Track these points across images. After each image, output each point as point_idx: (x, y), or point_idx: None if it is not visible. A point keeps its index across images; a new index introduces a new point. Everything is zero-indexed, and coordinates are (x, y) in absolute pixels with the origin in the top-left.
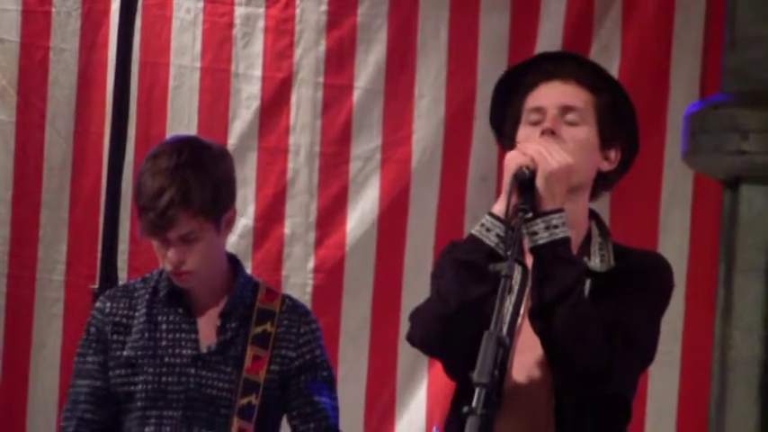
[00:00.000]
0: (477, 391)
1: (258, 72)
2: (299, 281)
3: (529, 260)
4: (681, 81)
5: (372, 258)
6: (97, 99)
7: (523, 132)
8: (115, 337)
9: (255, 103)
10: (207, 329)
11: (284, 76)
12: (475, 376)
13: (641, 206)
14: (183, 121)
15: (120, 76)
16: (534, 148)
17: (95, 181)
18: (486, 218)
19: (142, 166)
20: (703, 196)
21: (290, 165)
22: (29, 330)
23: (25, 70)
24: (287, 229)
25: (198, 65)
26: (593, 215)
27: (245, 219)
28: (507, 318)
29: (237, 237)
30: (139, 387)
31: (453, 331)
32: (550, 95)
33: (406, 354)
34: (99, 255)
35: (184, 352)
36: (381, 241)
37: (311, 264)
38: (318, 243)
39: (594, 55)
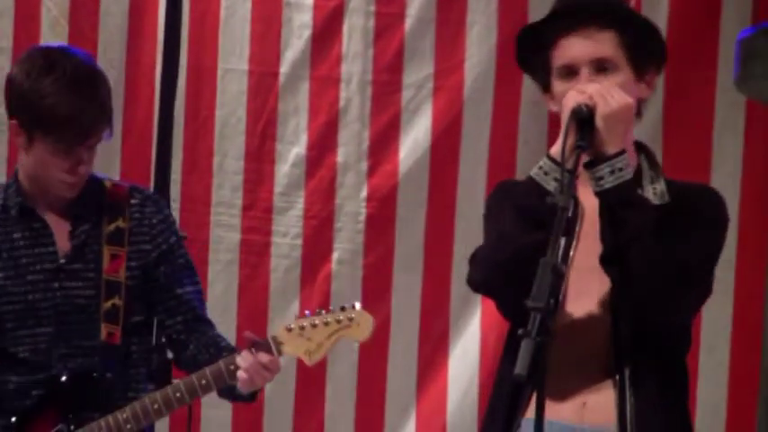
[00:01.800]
0: (532, 315)
1: (310, 0)
2: (352, 209)
3: (584, 197)
4: (733, 7)
5: (425, 186)
6: (149, 29)
7: (559, 88)
8: None
9: (307, 32)
10: (62, 239)
11: (336, 5)
12: (530, 302)
13: (694, 134)
14: (234, 50)
15: (171, 5)
16: (594, 88)
17: (148, 111)
18: (543, 161)
19: (33, 84)
20: (756, 122)
21: (343, 93)
22: None
23: (76, 1)
24: (339, 158)
25: None
26: (641, 148)
27: (297, 148)
28: (561, 249)
29: (290, 166)
30: (6, 308)
31: (513, 277)
32: (577, 51)
33: (460, 282)
34: (152, 185)
35: (46, 266)
36: (434, 169)
37: (364, 192)
38: (371, 172)
39: None
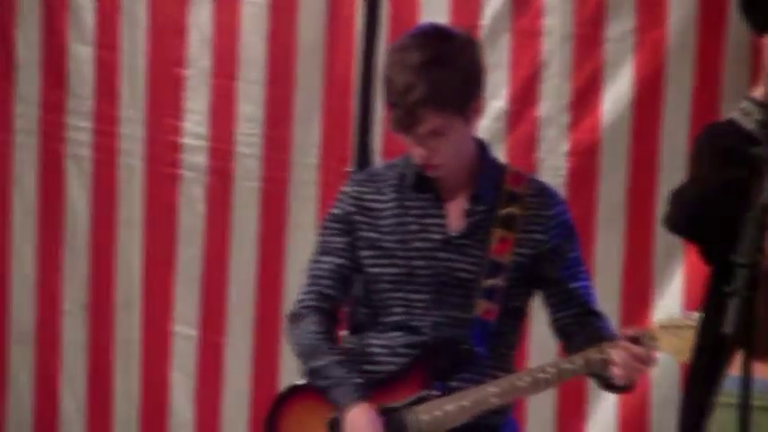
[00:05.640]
0: (738, 271)
1: None
2: (552, 164)
3: None
4: None
5: (627, 141)
6: None
7: None
8: (362, 218)
9: None
10: (455, 213)
11: None
12: (737, 257)
13: None
14: (435, 3)
15: None
16: None
17: (348, 63)
18: (745, 103)
19: (389, 59)
20: None
21: (544, 47)
22: (284, 213)
23: None
24: (541, 112)
25: None
26: None
27: (498, 101)
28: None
29: (491, 120)
30: (388, 270)
31: (708, 214)
32: None
33: (663, 236)
34: (353, 137)
35: (434, 236)
36: (636, 123)
37: (565, 147)
38: (573, 125)
39: None
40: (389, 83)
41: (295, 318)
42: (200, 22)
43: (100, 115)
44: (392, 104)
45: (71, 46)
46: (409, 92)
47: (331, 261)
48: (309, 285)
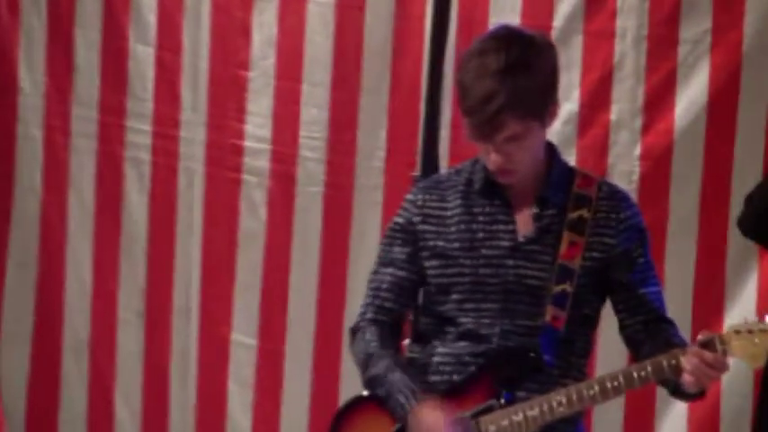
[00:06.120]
0: None
1: None
2: (625, 168)
3: None
4: None
5: (701, 144)
6: None
7: None
8: (426, 227)
9: None
10: (523, 219)
11: None
12: None
13: None
14: (506, 4)
15: None
16: None
17: (416, 65)
18: None
19: (465, 64)
20: None
21: (617, 48)
22: (348, 218)
23: None
24: (613, 115)
25: None
26: None
27: (569, 104)
28: None
29: (562, 123)
30: (455, 279)
31: (762, 220)
32: None
33: (737, 241)
34: (420, 141)
35: (502, 243)
36: (711, 127)
37: (637, 151)
38: (645, 129)
39: None
40: (466, 90)
41: (355, 331)
42: (264, 22)
43: (160, 118)
44: (470, 112)
45: (132, 47)
46: (490, 99)
47: (392, 273)
48: (369, 298)
